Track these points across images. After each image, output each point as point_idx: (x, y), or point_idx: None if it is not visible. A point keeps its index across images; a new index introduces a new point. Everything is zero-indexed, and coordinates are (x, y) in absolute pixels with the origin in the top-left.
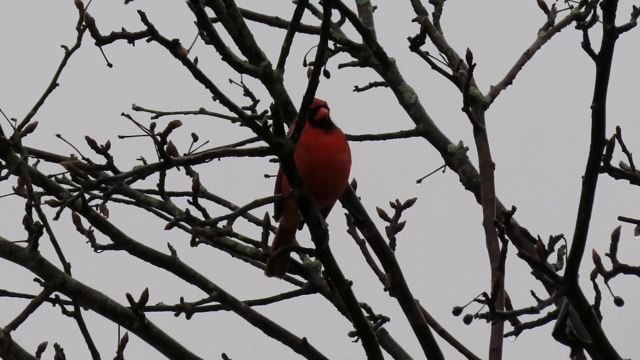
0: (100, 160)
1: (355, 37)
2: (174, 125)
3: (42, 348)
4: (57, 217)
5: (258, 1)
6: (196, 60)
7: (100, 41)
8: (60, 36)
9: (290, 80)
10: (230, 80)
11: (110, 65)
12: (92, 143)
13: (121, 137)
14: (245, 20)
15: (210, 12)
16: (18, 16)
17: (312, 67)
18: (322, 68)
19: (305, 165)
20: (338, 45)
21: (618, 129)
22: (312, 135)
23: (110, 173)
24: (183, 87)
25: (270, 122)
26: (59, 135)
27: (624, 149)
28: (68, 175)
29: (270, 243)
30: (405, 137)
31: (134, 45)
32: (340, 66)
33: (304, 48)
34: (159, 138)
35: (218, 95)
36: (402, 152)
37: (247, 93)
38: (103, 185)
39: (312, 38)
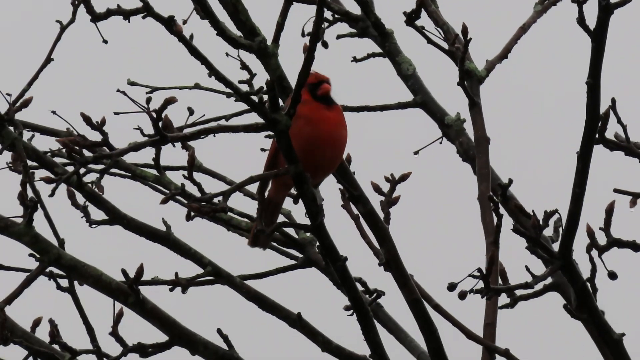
0: (95, 136)
1: (354, 8)
2: (169, 101)
3: (36, 323)
4: (52, 194)
5: None
6: (192, 36)
7: (96, 17)
8: (55, 11)
9: (288, 50)
10: (227, 54)
11: (105, 41)
12: (87, 119)
13: (117, 113)
14: None
15: None
16: None
17: (307, 44)
18: (320, 41)
19: (305, 138)
20: (336, 15)
21: (613, 100)
22: (314, 109)
23: (105, 149)
24: (178, 62)
25: (265, 97)
26: (54, 112)
27: (619, 121)
28: (64, 151)
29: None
30: (402, 109)
31: (129, 21)
32: (339, 37)
33: (303, 17)
34: (154, 114)
35: (214, 72)
36: (399, 124)
37: (244, 66)
38: (98, 161)
39: (310, 8)
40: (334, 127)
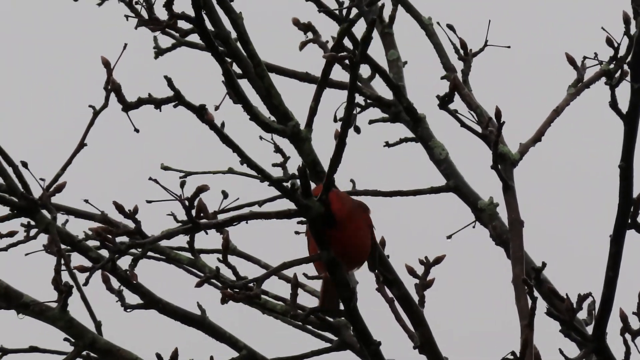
0: (129, 224)
1: (386, 93)
2: (201, 189)
3: None
4: (86, 283)
5: (288, 54)
6: (223, 124)
7: (127, 107)
8: (89, 96)
9: (322, 135)
10: (261, 137)
11: (137, 130)
12: (119, 208)
13: (149, 201)
14: (274, 74)
15: (237, 69)
16: (45, 75)
17: (339, 129)
18: (351, 127)
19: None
20: (368, 100)
21: None
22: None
23: (139, 237)
24: (212, 146)
25: (297, 183)
26: (86, 201)
27: None
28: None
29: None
30: (435, 193)
31: (160, 110)
32: (371, 122)
33: (337, 101)
34: (186, 202)
35: (245, 159)
36: (432, 208)
37: (278, 150)
38: (131, 249)
39: (343, 92)
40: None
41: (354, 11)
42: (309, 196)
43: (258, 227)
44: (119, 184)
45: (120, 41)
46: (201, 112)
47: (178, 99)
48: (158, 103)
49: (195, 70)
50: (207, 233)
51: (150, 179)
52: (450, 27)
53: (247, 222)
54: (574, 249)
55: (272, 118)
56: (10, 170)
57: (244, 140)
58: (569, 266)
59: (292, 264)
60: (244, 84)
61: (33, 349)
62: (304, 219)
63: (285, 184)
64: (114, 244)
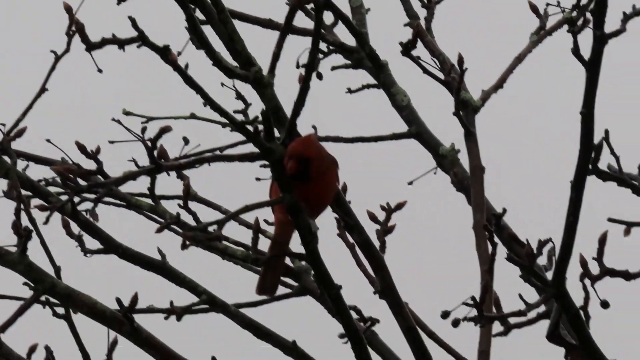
0: (90, 165)
1: (348, 39)
2: (164, 130)
3: (32, 349)
4: (46, 222)
5: (251, 2)
6: (187, 66)
7: (90, 47)
8: (50, 40)
9: (283, 81)
10: (222, 84)
11: (100, 71)
12: (82, 148)
13: (111, 142)
14: (238, 21)
15: (200, 15)
16: (6, 20)
17: (302, 73)
18: (314, 72)
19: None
20: (331, 47)
21: (607, 131)
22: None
23: (100, 178)
24: (174, 91)
25: (260, 127)
26: (48, 140)
27: (612, 152)
28: (58, 179)
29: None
30: (397, 139)
31: (124, 50)
32: (333, 68)
33: (299, 48)
34: (149, 143)
35: (209, 101)
36: (393, 154)
37: (239, 96)
38: (93, 189)
39: (306, 39)
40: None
41: None
42: (272, 139)
43: (219, 174)
44: (81, 129)
45: None
46: (165, 53)
47: (142, 39)
48: (122, 43)
49: (158, 17)
50: (169, 174)
51: (113, 119)
52: None
53: (209, 165)
54: (534, 196)
55: (235, 64)
56: None
57: (206, 88)
58: (530, 213)
59: (254, 207)
60: (208, 31)
61: None
62: (266, 162)
63: (248, 127)
64: (76, 183)
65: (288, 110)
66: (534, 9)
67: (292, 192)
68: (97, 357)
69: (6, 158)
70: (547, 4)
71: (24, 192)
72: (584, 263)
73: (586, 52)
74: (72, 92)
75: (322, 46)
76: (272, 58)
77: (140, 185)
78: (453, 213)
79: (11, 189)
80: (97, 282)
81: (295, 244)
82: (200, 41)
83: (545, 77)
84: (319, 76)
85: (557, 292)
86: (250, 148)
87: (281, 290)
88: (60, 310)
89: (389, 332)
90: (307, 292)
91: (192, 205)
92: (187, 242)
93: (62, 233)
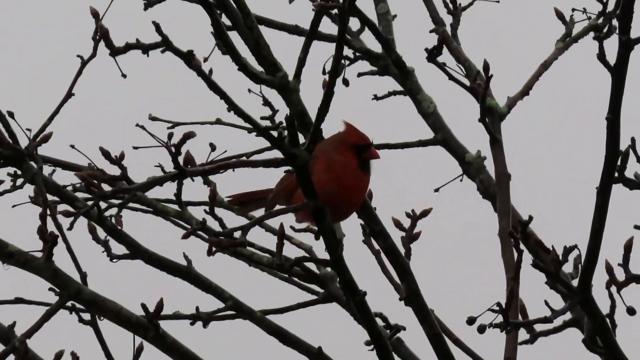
0: (114, 171)
1: (375, 46)
2: (188, 136)
3: (59, 356)
4: (71, 227)
5: (278, 7)
6: (211, 71)
7: (115, 52)
8: (76, 46)
9: (310, 88)
10: (249, 90)
11: (124, 75)
12: (106, 154)
13: (135, 147)
14: (264, 27)
15: (226, 21)
16: (34, 26)
17: (327, 79)
18: (340, 78)
19: (326, 194)
20: (357, 53)
21: (633, 139)
22: (351, 174)
23: (124, 183)
24: (201, 96)
25: (285, 133)
26: (72, 146)
27: (639, 160)
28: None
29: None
30: (423, 146)
31: (148, 55)
32: (359, 75)
33: (325, 54)
34: (173, 149)
35: (233, 107)
36: (419, 161)
37: (266, 102)
38: (118, 195)
39: (332, 45)
40: (357, 196)
41: None
42: (296, 145)
43: (245, 180)
44: (105, 135)
45: None
46: (189, 58)
47: (166, 44)
48: (146, 48)
49: (184, 23)
50: (193, 180)
51: (137, 125)
52: None
53: (233, 170)
54: (560, 202)
55: (261, 69)
56: None
57: (232, 94)
58: (556, 220)
59: (278, 213)
60: (234, 37)
61: (19, 301)
62: (291, 168)
63: (273, 132)
64: (100, 189)
65: (313, 115)
66: (559, 15)
67: (317, 198)
68: None
69: (32, 163)
70: (573, 10)
71: (50, 197)
72: (609, 269)
73: (612, 58)
74: (98, 97)
75: (349, 52)
76: (298, 63)
77: (167, 191)
78: (479, 220)
79: (37, 195)
80: (123, 287)
81: (320, 250)
82: (226, 46)
83: (571, 84)
84: (346, 83)
85: (583, 299)
86: (276, 154)
87: (307, 297)
88: (86, 316)
89: (415, 338)
90: (333, 299)
91: (219, 211)
92: (214, 249)
93: (88, 238)
